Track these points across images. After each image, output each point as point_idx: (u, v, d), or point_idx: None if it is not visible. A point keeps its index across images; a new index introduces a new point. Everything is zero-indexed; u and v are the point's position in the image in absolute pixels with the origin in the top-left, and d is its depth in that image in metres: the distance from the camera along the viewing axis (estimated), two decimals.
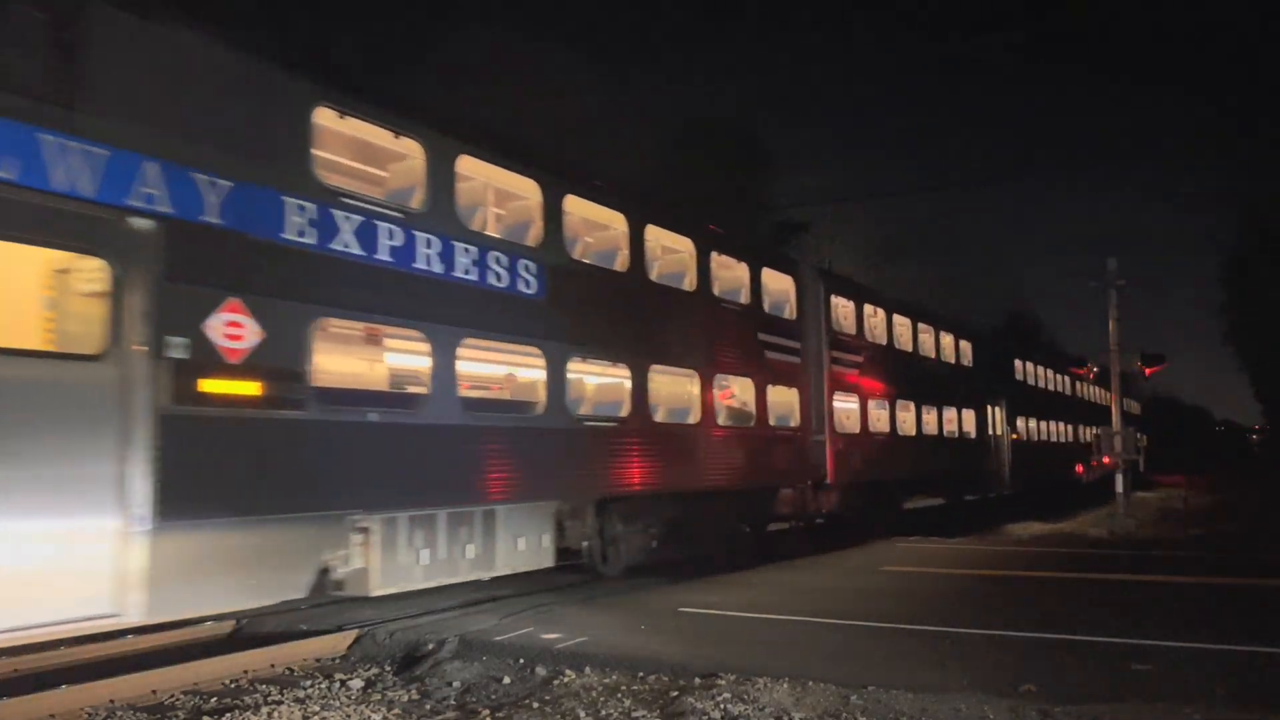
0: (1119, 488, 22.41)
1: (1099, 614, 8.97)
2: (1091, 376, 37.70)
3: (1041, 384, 32.45)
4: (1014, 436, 26.81)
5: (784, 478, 15.09)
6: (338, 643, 8.38)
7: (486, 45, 33.86)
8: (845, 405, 17.49)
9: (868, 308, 18.82)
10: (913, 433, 20.20)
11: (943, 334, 22.58)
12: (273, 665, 7.76)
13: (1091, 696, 6.01)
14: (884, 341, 19.16)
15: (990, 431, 25.02)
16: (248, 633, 9.08)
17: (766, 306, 14.81)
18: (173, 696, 6.91)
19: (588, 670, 7.15)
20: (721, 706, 6.03)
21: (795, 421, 15.22)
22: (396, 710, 6.51)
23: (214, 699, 6.86)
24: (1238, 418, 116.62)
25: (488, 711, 6.39)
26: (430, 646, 7.90)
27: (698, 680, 6.68)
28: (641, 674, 7.02)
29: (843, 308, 17.80)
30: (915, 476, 20.19)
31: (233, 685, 7.26)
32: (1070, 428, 36.01)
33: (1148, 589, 11.01)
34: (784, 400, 15.14)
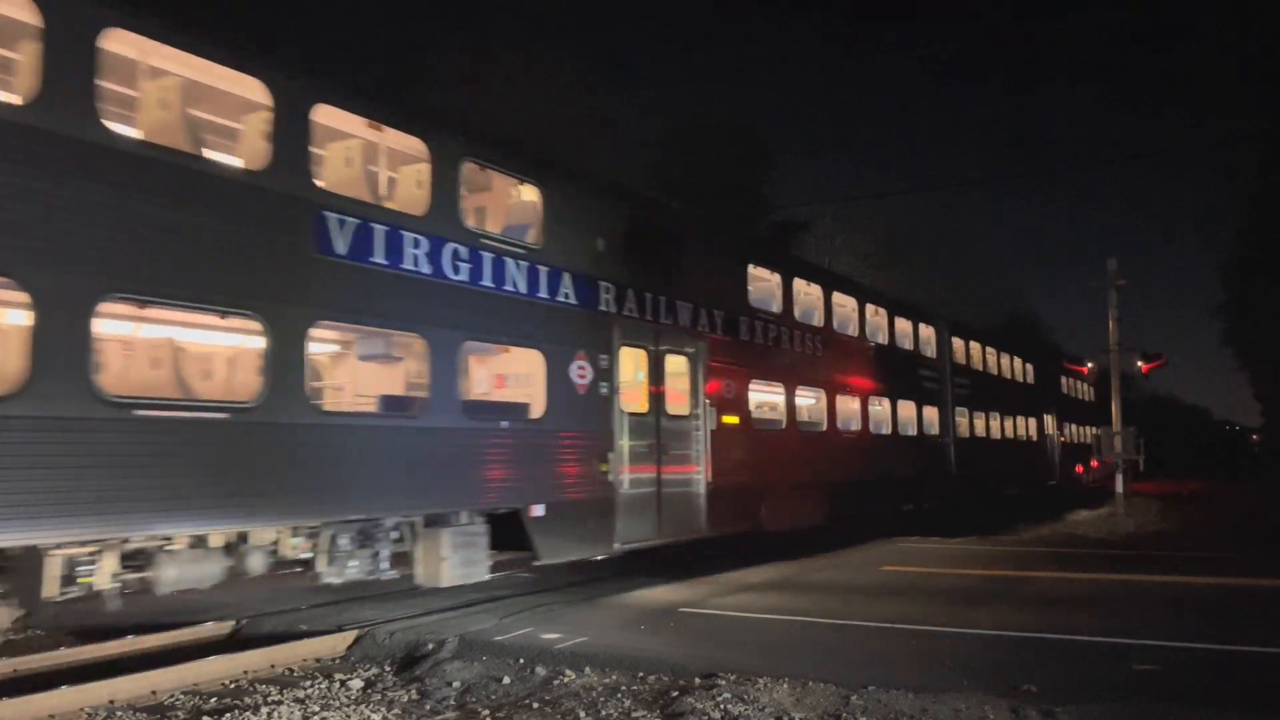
0: (1119, 488, 22.44)
1: (1099, 614, 8.96)
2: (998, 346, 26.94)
3: (850, 329, 18.06)
4: (729, 421, 13.38)
5: None
6: (337, 643, 8.38)
7: (486, 45, 33.83)
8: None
9: None
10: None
11: (473, 168, 10.26)
12: (273, 665, 7.75)
13: (1091, 696, 6.02)
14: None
15: (671, 411, 12.36)
16: (248, 633, 9.07)
17: None
18: (173, 696, 6.91)
19: (588, 670, 7.15)
20: (721, 706, 6.03)
21: None
22: (396, 710, 6.51)
23: (214, 699, 6.85)
24: (1238, 418, 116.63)
25: (488, 711, 6.39)
26: (430, 646, 7.90)
27: (698, 680, 6.68)
28: (641, 674, 7.01)
29: None
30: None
31: (233, 685, 7.25)
32: (933, 412, 21.64)
33: (1149, 589, 11.01)
34: None
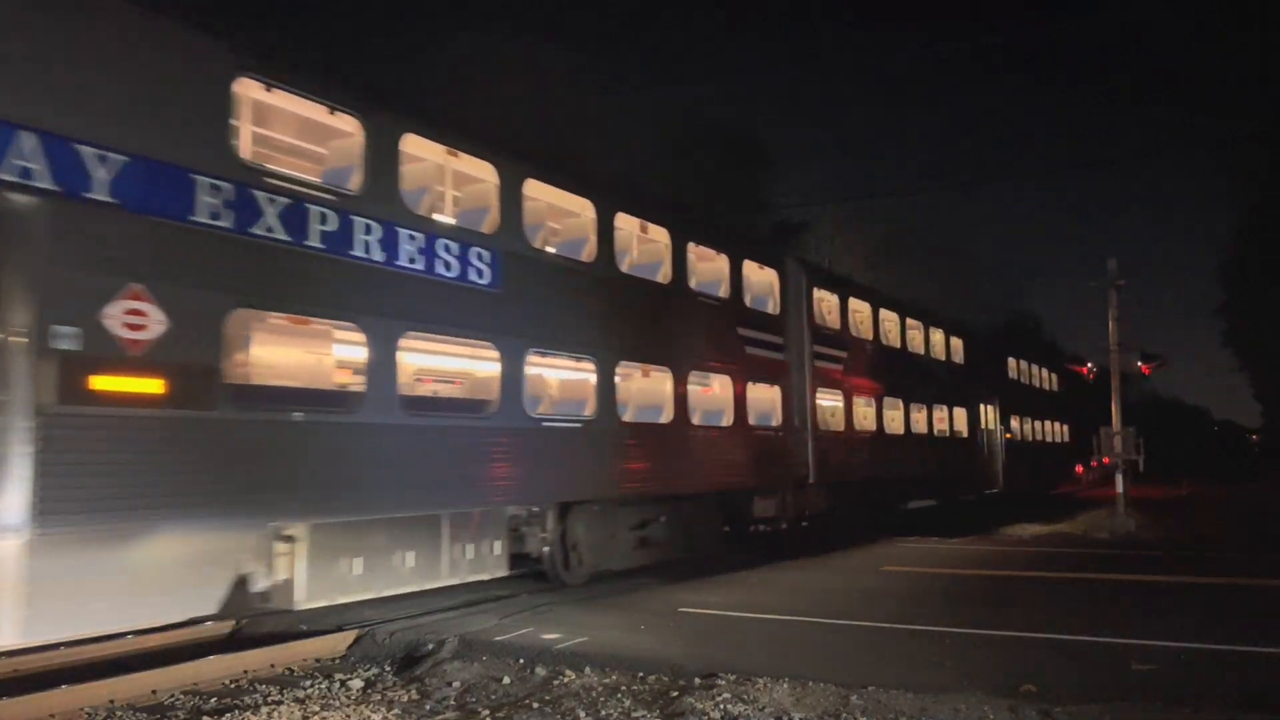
0: (1119, 488, 22.43)
1: (1099, 614, 8.96)
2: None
3: (583, 252, 11.46)
4: (133, 390, 6.52)
5: None
6: (338, 643, 8.38)
7: (487, 45, 33.86)
8: None
9: None
10: None
11: None
12: (273, 665, 7.76)
13: (1091, 696, 6.02)
14: None
15: None
16: (248, 633, 9.08)
17: None
18: (173, 696, 6.91)
19: (588, 670, 7.15)
20: (721, 706, 6.03)
21: None
22: (396, 710, 6.51)
23: (214, 699, 6.85)
24: (1238, 418, 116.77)
25: (488, 712, 6.39)
26: (430, 646, 7.90)
27: (698, 680, 6.68)
28: (641, 674, 7.01)
29: None
30: None
31: (233, 685, 7.26)
32: (772, 393, 14.99)
33: (1148, 589, 11.01)
34: None
